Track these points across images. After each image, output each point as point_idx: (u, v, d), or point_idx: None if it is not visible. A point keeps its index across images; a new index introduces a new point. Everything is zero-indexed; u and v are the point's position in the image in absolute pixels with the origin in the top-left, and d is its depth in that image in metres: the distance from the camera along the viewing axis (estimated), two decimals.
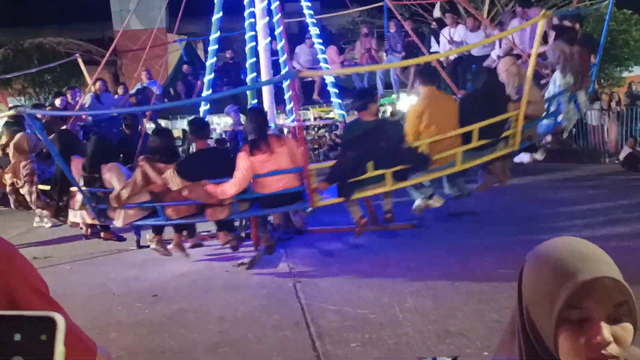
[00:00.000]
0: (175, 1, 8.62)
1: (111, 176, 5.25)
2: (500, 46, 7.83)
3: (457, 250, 5.67)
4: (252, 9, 6.95)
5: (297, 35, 12.21)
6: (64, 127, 6.74)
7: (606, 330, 0.88)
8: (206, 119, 8.47)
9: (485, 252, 5.41)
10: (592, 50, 6.86)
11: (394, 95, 11.04)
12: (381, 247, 6.13)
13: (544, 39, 6.80)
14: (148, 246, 6.35)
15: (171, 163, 5.09)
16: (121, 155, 6.26)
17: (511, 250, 4.92)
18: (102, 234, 6.47)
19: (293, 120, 7.93)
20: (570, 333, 0.90)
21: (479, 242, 5.86)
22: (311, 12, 8.46)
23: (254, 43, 7.04)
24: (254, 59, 7.02)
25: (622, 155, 10.53)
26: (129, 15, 9.76)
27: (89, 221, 5.83)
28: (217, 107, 9.24)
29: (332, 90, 8.32)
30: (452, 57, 8.32)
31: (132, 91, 9.42)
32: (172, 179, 4.90)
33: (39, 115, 5.65)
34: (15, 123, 6.73)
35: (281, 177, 4.99)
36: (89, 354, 1.00)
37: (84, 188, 5.39)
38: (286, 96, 7.83)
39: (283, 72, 7.57)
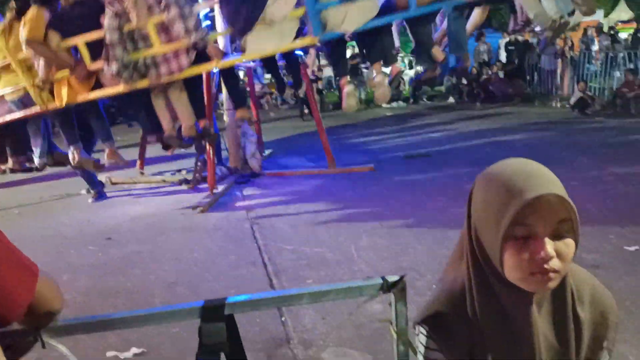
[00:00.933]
0: None
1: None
2: None
3: (412, 191, 5.80)
4: None
5: None
6: None
7: (549, 245, 0.91)
8: None
9: (438, 192, 5.56)
10: None
11: None
12: (338, 189, 6.19)
13: None
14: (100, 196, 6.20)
15: None
16: None
17: (463, 190, 5.05)
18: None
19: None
20: (515, 249, 0.92)
21: (432, 183, 6.00)
22: None
23: None
24: None
25: (573, 99, 10.83)
26: None
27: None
28: None
29: None
30: None
31: None
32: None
33: None
34: None
35: None
36: (29, 274, 0.96)
37: None
38: None
39: None
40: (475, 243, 1.00)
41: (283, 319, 3.18)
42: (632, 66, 11.07)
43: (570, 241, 0.94)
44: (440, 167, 6.84)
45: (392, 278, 1.07)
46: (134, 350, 2.89)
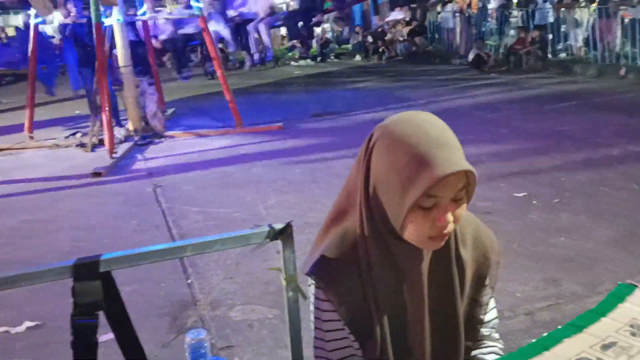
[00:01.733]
0: None
1: None
2: None
3: (320, 149, 5.83)
4: None
5: None
6: None
7: (450, 213, 0.94)
8: None
9: (344, 148, 5.63)
10: None
11: None
12: (246, 148, 6.09)
13: None
14: None
15: None
16: None
17: None
18: None
19: (143, 14, 7.27)
20: (419, 218, 0.94)
21: (340, 140, 6.06)
22: None
23: None
24: None
25: (470, 57, 11.31)
26: None
27: None
28: None
29: None
30: None
31: None
32: None
33: None
34: None
35: None
36: None
37: None
38: None
39: None
40: (372, 199, 0.99)
41: (189, 281, 3.12)
42: (523, 24, 11.69)
43: (464, 204, 0.97)
44: (348, 124, 6.93)
45: (279, 225, 1.05)
46: (28, 324, 2.71)
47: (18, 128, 6.94)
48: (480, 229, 1.13)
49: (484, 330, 1.15)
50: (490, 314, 1.15)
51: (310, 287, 1.06)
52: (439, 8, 13.82)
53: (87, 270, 0.95)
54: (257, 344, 2.48)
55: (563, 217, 3.64)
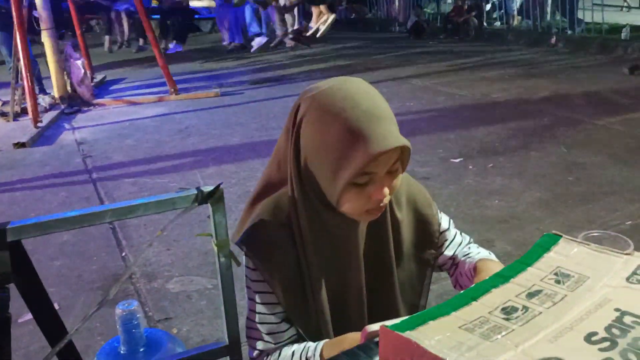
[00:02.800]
0: None
1: None
2: None
3: (259, 116, 5.72)
4: None
5: None
6: None
7: (386, 187, 0.92)
8: None
9: (284, 116, 5.52)
10: None
11: None
12: (182, 116, 5.88)
13: None
14: None
15: None
16: None
17: None
18: None
19: None
20: (354, 194, 0.91)
21: (278, 108, 5.96)
22: None
23: None
24: None
25: (409, 24, 11.37)
26: None
27: None
28: None
29: None
30: None
31: None
32: None
33: None
34: None
35: None
36: None
37: None
38: None
39: None
40: (303, 172, 0.96)
41: (124, 254, 3.00)
42: None
43: (400, 174, 0.95)
44: (285, 91, 6.82)
45: (207, 188, 0.98)
46: None
47: None
48: (412, 187, 1.12)
49: (461, 250, 1.17)
50: (456, 240, 1.17)
51: (244, 257, 1.02)
52: None
53: None
54: (195, 315, 2.42)
55: (497, 180, 3.75)
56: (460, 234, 1.19)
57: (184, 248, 3.01)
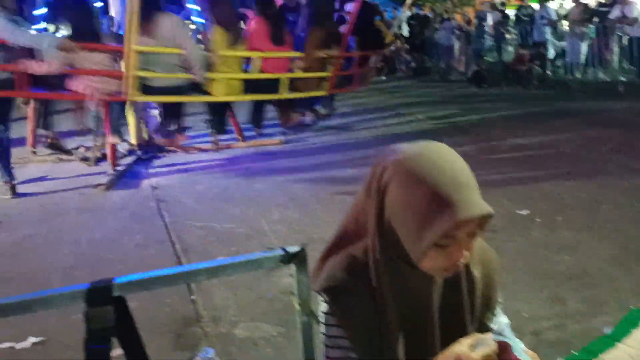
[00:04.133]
0: None
1: None
2: None
3: (321, 163, 5.85)
4: None
5: None
6: None
7: (465, 249, 0.99)
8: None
9: (347, 164, 5.66)
10: None
11: None
12: (248, 163, 6.10)
13: None
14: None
15: None
16: None
17: (370, 161, 5.18)
18: None
19: None
20: (435, 252, 0.97)
21: (341, 155, 6.08)
22: None
23: None
24: None
25: (469, 73, 11.39)
26: None
27: None
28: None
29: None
30: None
31: None
32: None
33: None
34: None
35: None
36: None
37: None
38: None
39: None
40: (386, 229, 1.01)
41: (193, 297, 3.11)
42: (522, 41, 11.80)
43: (478, 237, 1.02)
44: (348, 139, 6.96)
45: (293, 249, 1.06)
46: (32, 339, 2.70)
47: (19, 142, 6.95)
48: (485, 249, 1.16)
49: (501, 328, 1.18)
50: (502, 319, 1.19)
51: (320, 305, 1.07)
52: (436, 24, 13.94)
53: (100, 295, 0.96)
54: None
55: (566, 234, 3.65)
56: (503, 313, 1.22)
57: (249, 294, 3.09)
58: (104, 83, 5.43)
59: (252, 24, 6.53)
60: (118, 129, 6.54)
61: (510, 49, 12.17)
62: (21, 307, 0.94)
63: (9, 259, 3.72)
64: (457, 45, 13.06)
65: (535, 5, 11.77)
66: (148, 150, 6.50)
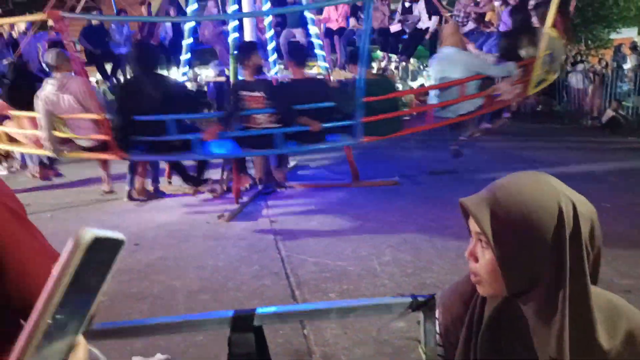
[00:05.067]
0: None
1: None
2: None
3: (436, 207, 5.75)
4: None
5: None
6: None
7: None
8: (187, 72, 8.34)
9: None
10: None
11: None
12: (362, 202, 6.18)
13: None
14: (135, 198, 6.39)
15: None
16: None
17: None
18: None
19: (275, 74, 7.82)
20: None
21: (457, 199, 5.91)
22: None
23: None
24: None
25: (604, 118, 10.63)
26: None
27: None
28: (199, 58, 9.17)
29: (316, 42, 8.09)
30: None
31: None
32: None
33: None
34: None
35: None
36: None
37: None
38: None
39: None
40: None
41: (305, 331, 3.18)
42: None
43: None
44: (466, 184, 6.77)
45: (423, 297, 1.07)
46: (159, 356, 2.92)
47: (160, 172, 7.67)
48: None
49: None
50: None
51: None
52: (567, 67, 13.27)
53: (243, 323, 1.04)
54: None
55: None
56: None
57: (360, 334, 3.10)
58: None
59: None
60: (244, 166, 7.00)
61: None
62: (173, 327, 1.06)
63: (143, 279, 4.09)
64: (590, 88, 12.30)
65: None
66: (268, 185, 6.84)
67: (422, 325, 1.07)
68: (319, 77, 7.93)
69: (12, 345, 0.54)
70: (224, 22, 8.05)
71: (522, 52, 5.86)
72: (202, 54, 9.14)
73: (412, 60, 13.41)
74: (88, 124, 5.55)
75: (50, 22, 7.64)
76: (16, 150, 6.69)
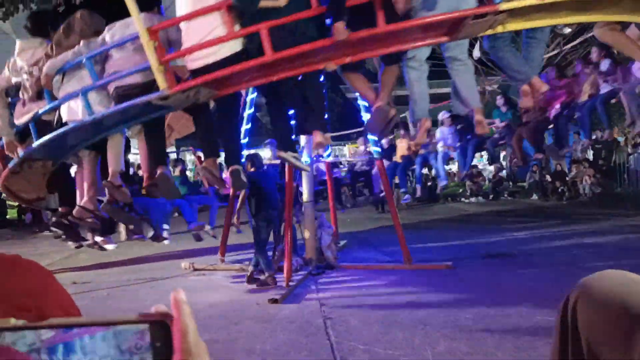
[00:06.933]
0: None
1: None
2: None
3: (493, 293, 5.52)
4: None
5: None
6: None
7: None
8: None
9: (522, 297, 5.25)
10: None
11: None
12: (414, 286, 6.03)
13: None
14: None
15: None
16: None
17: (549, 295, 4.76)
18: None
19: (328, 156, 8.03)
20: None
21: (515, 285, 5.70)
22: None
23: None
24: None
25: None
26: None
27: None
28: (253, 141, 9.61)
29: None
30: None
31: None
32: None
33: None
34: None
35: None
36: None
37: None
38: None
39: None
40: None
41: None
42: None
43: None
44: (523, 269, 6.52)
45: None
46: None
47: (214, 250, 7.85)
48: None
49: None
50: None
51: None
52: (629, 148, 12.90)
53: None
54: None
55: None
56: None
57: None
58: None
59: None
60: (296, 248, 7.06)
61: None
62: None
63: None
64: None
65: None
66: (319, 266, 6.83)
67: None
68: None
69: None
70: None
71: None
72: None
73: None
74: None
75: None
76: None
